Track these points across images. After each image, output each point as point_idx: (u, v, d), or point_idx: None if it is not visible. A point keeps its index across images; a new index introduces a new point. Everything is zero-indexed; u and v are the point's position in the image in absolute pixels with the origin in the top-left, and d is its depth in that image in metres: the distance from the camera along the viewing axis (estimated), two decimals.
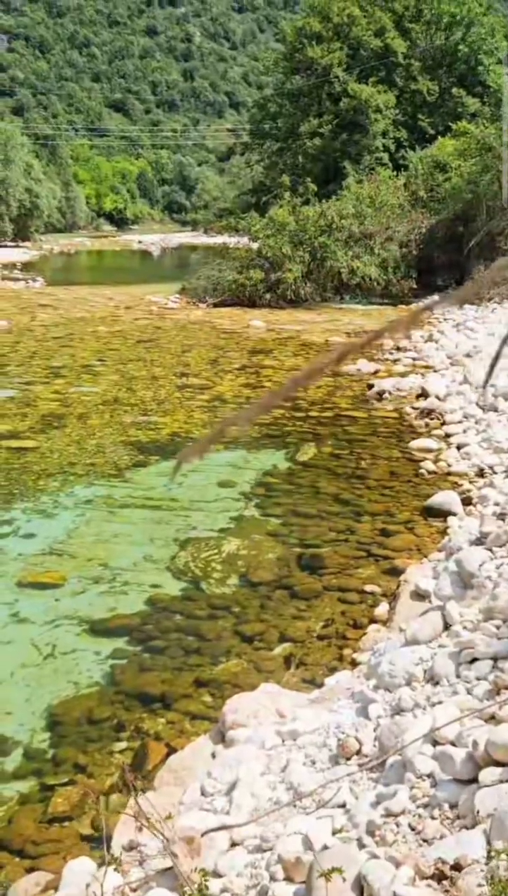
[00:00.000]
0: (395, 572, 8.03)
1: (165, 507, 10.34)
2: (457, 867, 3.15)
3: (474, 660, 4.58)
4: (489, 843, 3.23)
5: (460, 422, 13.09)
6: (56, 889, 4.22)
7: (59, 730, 5.96)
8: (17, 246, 77.58)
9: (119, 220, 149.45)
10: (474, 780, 3.61)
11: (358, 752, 4.48)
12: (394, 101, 50.11)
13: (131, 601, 7.87)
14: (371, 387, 16.22)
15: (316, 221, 31.46)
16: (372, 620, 7.20)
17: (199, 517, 10.03)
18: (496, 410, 12.92)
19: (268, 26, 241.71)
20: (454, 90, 49.31)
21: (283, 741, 4.91)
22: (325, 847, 3.60)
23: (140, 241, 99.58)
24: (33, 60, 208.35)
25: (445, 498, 9.70)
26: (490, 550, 6.00)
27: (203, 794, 4.68)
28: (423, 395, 14.92)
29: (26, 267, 54.35)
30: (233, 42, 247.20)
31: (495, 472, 10.62)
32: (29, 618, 7.58)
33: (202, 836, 3.99)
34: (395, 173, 39.29)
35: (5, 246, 75.49)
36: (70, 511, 10.26)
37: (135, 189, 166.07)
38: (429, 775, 3.85)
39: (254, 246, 33.02)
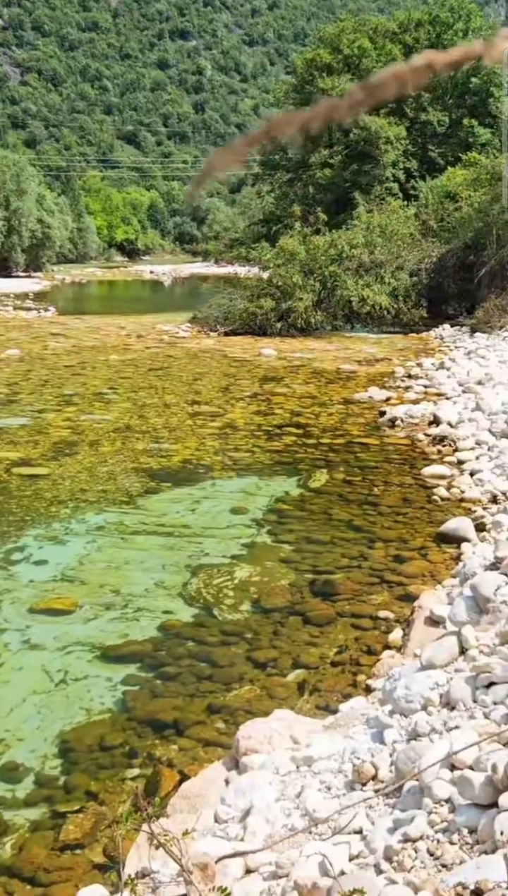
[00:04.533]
0: (409, 598, 7.98)
1: (177, 534, 10.31)
2: (478, 892, 3.10)
3: (491, 684, 4.53)
4: None
5: (472, 448, 13.06)
6: None
7: (70, 756, 5.91)
8: (28, 276, 78.25)
9: (130, 251, 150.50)
10: (493, 804, 3.56)
11: (374, 778, 4.43)
12: (405, 132, 50.48)
13: (143, 627, 7.84)
14: (382, 414, 16.20)
15: (327, 251, 31.62)
16: (386, 646, 7.14)
17: (212, 543, 10.00)
18: None
19: (279, 59, 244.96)
20: (464, 121, 49.65)
21: (298, 767, 4.86)
22: (342, 873, 3.54)
23: (151, 272, 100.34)
24: (46, 93, 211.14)
25: (458, 524, 9.65)
26: (506, 575, 5.95)
27: (217, 820, 4.62)
28: (435, 421, 14.90)
29: (38, 297, 54.70)
30: (243, 75, 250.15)
31: None
32: (41, 644, 7.54)
33: (216, 862, 3.94)
34: (406, 203, 39.50)
35: (17, 276, 76.13)
36: (82, 537, 10.25)
37: (147, 220, 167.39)
38: (447, 800, 3.79)
39: (265, 275, 33.17)
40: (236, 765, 5.19)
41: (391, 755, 4.52)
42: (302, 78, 54.70)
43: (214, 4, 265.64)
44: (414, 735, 4.49)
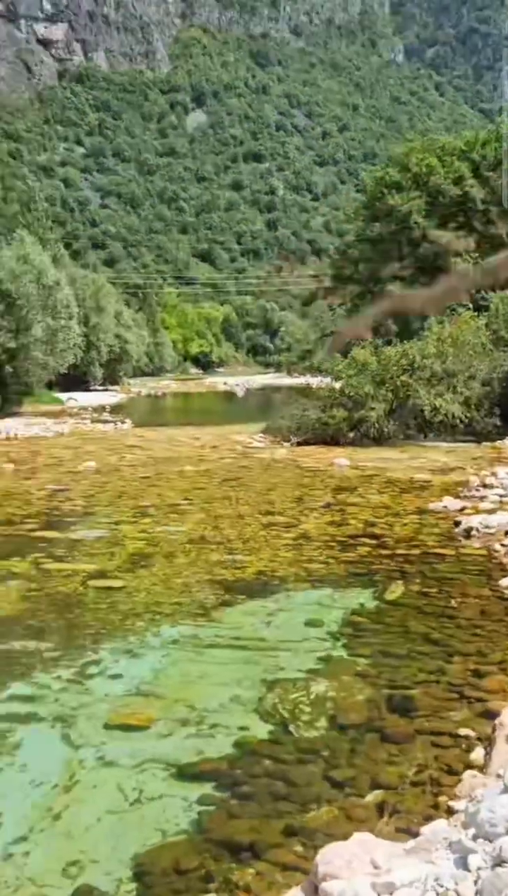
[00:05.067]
0: (490, 715, 7.75)
1: (252, 647, 10.25)
2: None
3: None
4: None
5: None
6: None
7: (145, 880, 5.80)
8: (106, 390, 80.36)
9: (205, 363, 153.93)
10: None
11: None
12: (474, 245, 51.26)
13: (218, 744, 7.74)
14: (458, 524, 16.04)
15: (398, 361, 31.93)
16: (468, 766, 6.92)
17: (287, 657, 9.90)
18: None
19: (349, 178, 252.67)
20: None
21: (379, 894, 4.70)
22: None
23: (225, 383, 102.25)
24: (125, 215, 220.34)
25: None
26: None
27: None
28: None
29: (115, 409, 56.02)
30: (314, 193, 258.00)
31: None
32: (115, 761, 7.49)
33: None
34: (476, 314, 39.82)
35: (95, 390, 78.23)
36: (157, 651, 10.25)
37: (221, 333, 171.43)
38: None
39: (337, 385, 33.57)
40: (315, 890, 5.04)
41: (475, 882, 4.36)
42: (373, 195, 56.26)
43: (286, 129, 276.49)
44: (500, 861, 4.33)
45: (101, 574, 13.44)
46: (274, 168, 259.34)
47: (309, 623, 11.10)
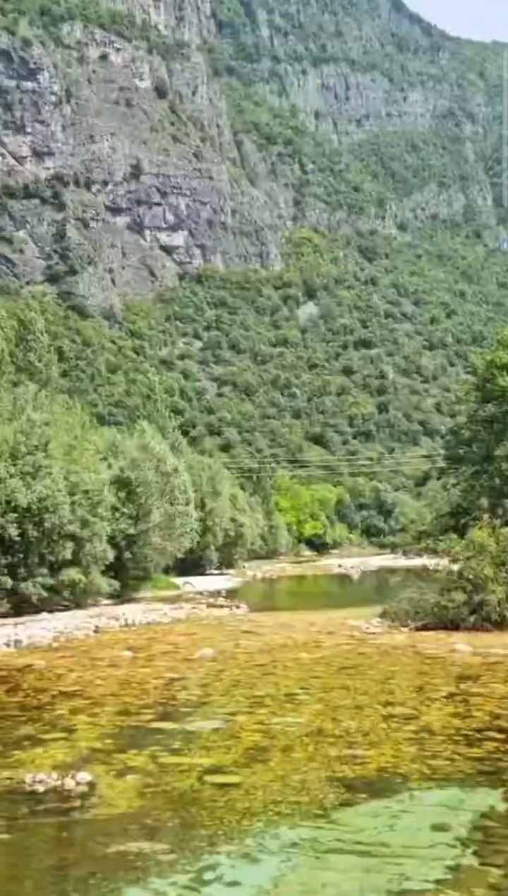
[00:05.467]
0: None
1: (375, 853, 9.70)
2: None
3: None
4: None
5: None
6: None
7: None
8: (221, 573, 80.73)
9: (319, 545, 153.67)
10: None
11: None
12: None
13: None
14: None
15: None
16: None
17: (412, 865, 9.33)
18: None
19: (458, 360, 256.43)
20: None
21: None
22: None
23: (339, 565, 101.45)
24: (239, 402, 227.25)
25: None
26: None
27: None
28: None
29: (230, 594, 56.00)
30: (424, 376, 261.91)
31: None
32: None
33: None
34: None
35: (211, 574, 78.68)
36: (275, 856, 9.79)
37: (334, 514, 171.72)
38: None
39: (455, 567, 32.91)
40: None
41: None
42: (483, 377, 56.73)
43: (395, 316, 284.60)
44: None
45: (218, 769, 13.10)
46: (383, 353, 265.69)
47: (436, 827, 10.50)
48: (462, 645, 25.23)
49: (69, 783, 12.25)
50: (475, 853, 9.63)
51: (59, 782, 12.30)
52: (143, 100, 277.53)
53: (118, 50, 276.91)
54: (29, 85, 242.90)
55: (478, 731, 15.03)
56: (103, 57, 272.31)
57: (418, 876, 9.01)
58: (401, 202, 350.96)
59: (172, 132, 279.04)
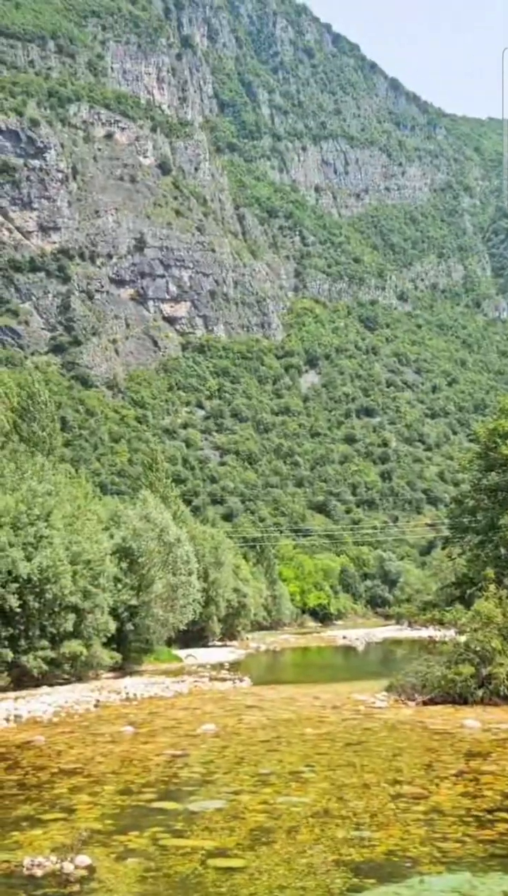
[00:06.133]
0: None
1: None
2: None
3: None
4: None
5: None
6: None
7: None
8: (224, 645, 79.74)
9: (323, 616, 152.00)
10: None
11: None
12: None
13: None
14: None
15: None
16: None
17: None
18: None
19: (461, 428, 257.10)
20: None
21: None
22: None
23: (344, 637, 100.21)
24: (242, 471, 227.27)
25: None
26: None
27: None
28: None
29: (233, 666, 55.23)
30: (426, 444, 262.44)
31: None
32: None
33: None
34: None
35: (214, 645, 77.73)
36: None
37: (338, 584, 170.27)
38: None
39: (462, 639, 32.44)
40: None
41: None
42: (486, 445, 56.69)
43: (397, 385, 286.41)
44: None
45: (221, 852, 12.70)
46: (386, 421, 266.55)
47: None
48: (470, 720, 24.75)
49: (68, 867, 11.88)
50: None
51: (57, 866, 11.94)
52: (147, 176, 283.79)
53: (123, 129, 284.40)
54: (36, 163, 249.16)
55: (490, 811, 14.62)
56: (109, 135, 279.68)
57: None
58: (401, 273, 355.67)
59: (175, 206, 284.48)
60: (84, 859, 12.13)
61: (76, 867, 11.89)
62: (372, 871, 11.68)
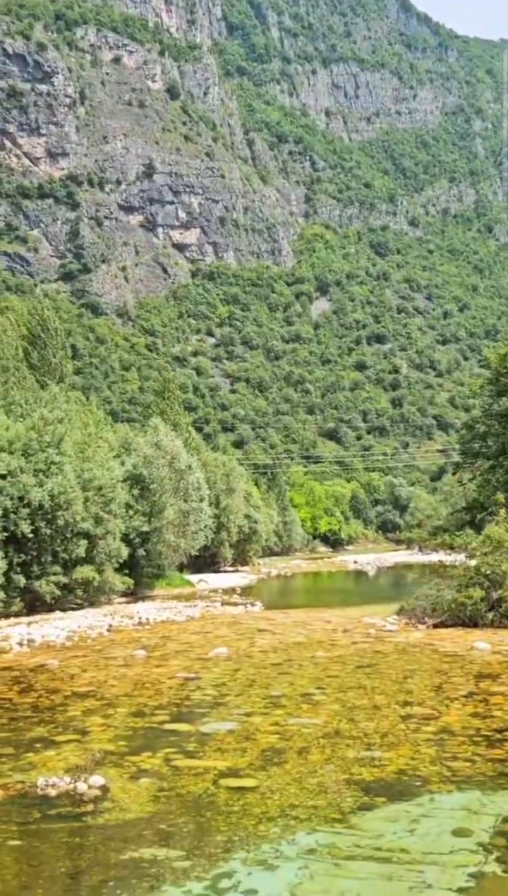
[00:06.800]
0: None
1: (395, 860, 9.42)
2: None
3: None
4: None
5: None
6: None
7: None
8: (236, 570, 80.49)
9: (334, 541, 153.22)
10: None
11: None
12: None
13: None
14: None
15: None
16: None
17: (433, 872, 9.05)
18: None
19: (472, 354, 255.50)
20: None
21: None
22: None
23: (355, 562, 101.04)
24: (253, 399, 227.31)
25: None
26: None
27: None
28: None
29: (245, 591, 55.77)
30: (437, 370, 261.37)
31: None
32: None
33: None
34: None
35: (226, 571, 78.46)
36: (292, 862, 9.52)
37: (349, 510, 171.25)
38: None
39: (472, 563, 32.53)
40: None
41: None
42: (497, 371, 56.23)
43: (408, 311, 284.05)
44: None
45: (233, 772, 12.83)
46: (396, 348, 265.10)
47: (457, 832, 10.21)
48: (480, 643, 24.89)
49: (82, 787, 12.01)
50: (498, 860, 9.35)
51: (71, 786, 12.07)
52: (156, 101, 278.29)
53: (131, 53, 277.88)
54: (43, 87, 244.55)
55: (499, 731, 14.73)
56: (116, 59, 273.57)
57: (440, 884, 8.74)
58: (412, 198, 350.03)
59: (184, 132, 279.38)
60: (97, 779, 12.27)
61: (89, 787, 12.03)
62: (382, 790, 11.78)
